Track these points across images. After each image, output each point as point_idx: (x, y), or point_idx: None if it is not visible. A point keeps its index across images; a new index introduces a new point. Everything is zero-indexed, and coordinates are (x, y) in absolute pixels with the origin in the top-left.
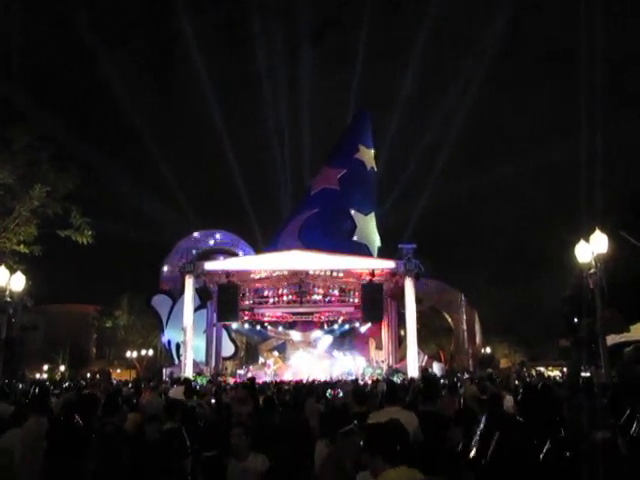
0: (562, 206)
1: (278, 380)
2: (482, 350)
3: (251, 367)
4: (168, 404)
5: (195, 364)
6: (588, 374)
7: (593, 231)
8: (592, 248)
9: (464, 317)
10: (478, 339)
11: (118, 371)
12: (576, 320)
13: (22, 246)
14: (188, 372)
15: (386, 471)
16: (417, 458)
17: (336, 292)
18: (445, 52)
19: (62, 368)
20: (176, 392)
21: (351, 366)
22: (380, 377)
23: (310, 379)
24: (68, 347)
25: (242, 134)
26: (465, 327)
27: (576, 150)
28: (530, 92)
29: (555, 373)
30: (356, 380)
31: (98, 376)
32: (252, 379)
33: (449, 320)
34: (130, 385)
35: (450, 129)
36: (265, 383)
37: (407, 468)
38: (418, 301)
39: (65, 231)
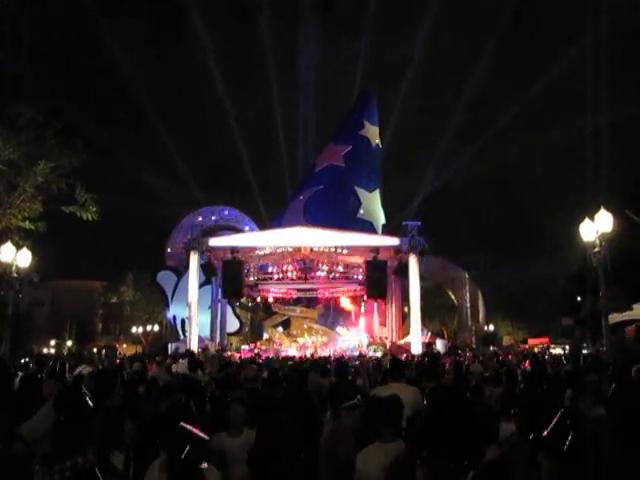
0: (569, 184)
1: (283, 355)
2: (485, 327)
3: (258, 343)
4: (174, 378)
5: (200, 339)
6: (589, 351)
7: (598, 210)
8: (597, 227)
9: (467, 295)
10: (481, 316)
11: (124, 346)
12: (579, 298)
13: (27, 222)
14: (193, 347)
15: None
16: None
17: (340, 269)
18: (456, 24)
19: (69, 343)
20: (181, 366)
21: (355, 342)
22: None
23: (314, 355)
24: (75, 323)
25: (248, 110)
26: (468, 304)
27: (584, 128)
28: (540, 68)
29: (557, 351)
30: (360, 355)
31: (104, 351)
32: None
33: (452, 297)
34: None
35: (458, 105)
36: (269, 358)
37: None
38: (422, 278)
39: (70, 207)
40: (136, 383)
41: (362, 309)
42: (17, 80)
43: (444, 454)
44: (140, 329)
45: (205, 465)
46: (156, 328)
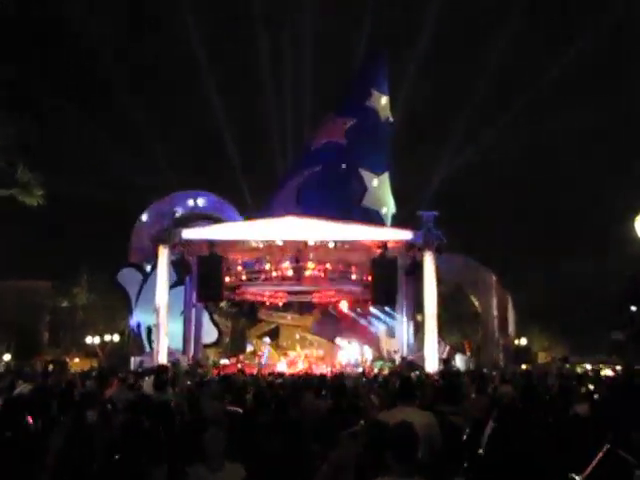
0: (615, 171)
1: (271, 372)
2: (516, 341)
3: (241, 357)
4: (138, 399)
5: (170, 352)
6: None
7: None
8: None
9: (494, 301)
10: (511, 328)
11: (76, 360)
12: (633, 308)
13: None
14: (162, 361)
15: None
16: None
17: (340, 268)
18: None
19: (7, 357)
20: (146, 385)
21: (357, 356)
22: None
23: (308, 371)
24: (15, 332)
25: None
26: (496, 313)
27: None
28: (575, 35)
29: (607, 372)
30: (363, 373)
31: (52, 367)
32: (236, 372)
33: (476, 304)
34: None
35: (483, 71)
36: (254, 375)
37: None
38: (439, 280)
39: (10, 190)
40: (86, 406)
41: (366, 317)
42: None
43: None
44: (96, 339)
45: None
46: (116, 338)
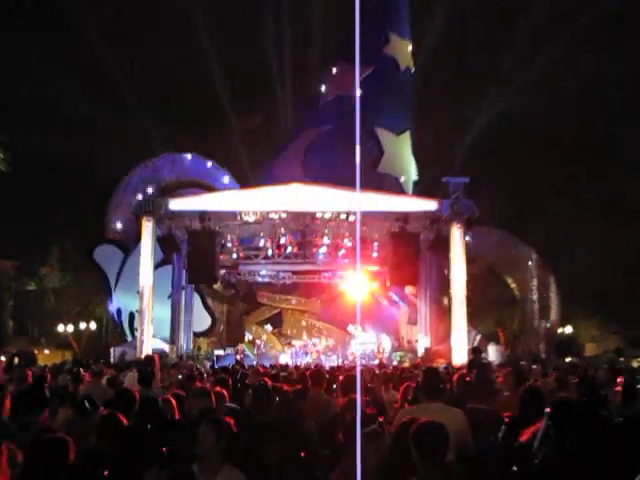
0: None
1: (273, 364)
2: (559, 330)
3: (241, 346)
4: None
5: (156, 341)
6: None
7: None
8: None
9: (535, 283)
10: (554, 314)
11: (46, 352)
12: None
13: None
14: (147, 352)
15: None
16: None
17: (350, 243)
18: None
19: None
20: (128, 379)
21: (374, 346)
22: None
23: (316, 363)
24: None
25: (228, 18)
26: (536, 297)
27: None
28: None
29: None
30: (380, 365)
31: (17, 360)
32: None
33: (513, 286)
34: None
35: (519, 8)
36: (253, 367)
37: None
38: (469, 259)
39: None
40: (58, 404)
41: (384, 301)
42: None
43: None
44: (70, 328)
45: None
46: (93, 326)
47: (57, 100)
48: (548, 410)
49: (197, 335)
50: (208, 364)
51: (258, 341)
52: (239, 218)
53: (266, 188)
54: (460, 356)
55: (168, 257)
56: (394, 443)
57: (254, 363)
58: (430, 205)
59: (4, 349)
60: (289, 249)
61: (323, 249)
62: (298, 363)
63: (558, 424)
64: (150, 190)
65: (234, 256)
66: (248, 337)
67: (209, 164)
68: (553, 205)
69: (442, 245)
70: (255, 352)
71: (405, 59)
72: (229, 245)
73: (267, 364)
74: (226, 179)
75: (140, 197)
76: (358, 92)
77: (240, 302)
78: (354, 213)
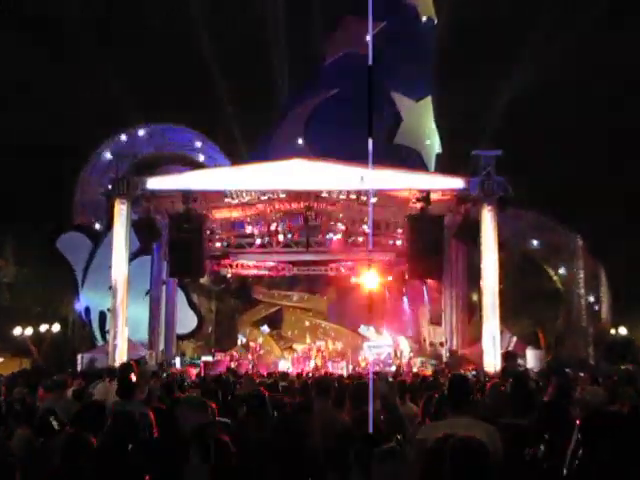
0: None
1: (271, 372)
2: (612, 331)
3: (234, 353)
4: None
5: (132, 346)
6: None
7: None
8: None
9: (582, 275)
10: (605, 312)
11: (0, 360)
12: None
13: None
14: (120, 359)
15: None
16: None
17: (365, 228)
18: None
19: None
20: (99, 391)
21: (390, 350)
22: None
23: (322, 370)
24: None
25: None
26: (583, 291)
27: None
28: None
29: None
30: (397, 371)
31: None
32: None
33: (555, 279)
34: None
35: None
36: (247, 375)
37: None
38: (502, 246)
39: None
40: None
41: (403, 297)
42: None
43: None
44: (28, 331)
45: None
46: (56, 328)
47: (22, 70)
48: (578, 423)
49: (181, 338)
50: (194, 372)
51: (253, 344)
52: (230, 199)
53: (261, 164)
54: (492, 362)
55: (146, 246)
56: (425, 464)
57: (249, 371)
58: (456, 183)
59: None
60: (288, 236)
61: (328, 236)
62: (300, 371)
63: (588, 439)
64: (124, 167)
65: (225, 244)
66: (241, 340)
67: (193, 135)
68: (603, 186)
69: (470, 230)
70: (250, 358)
71: (427, 8)
72: (218, 231)
73: (263, 372)
74: (213, 152)
75: (112, 175)
76: (370, 45)
77: (232, 299)
78: (365, 191)
